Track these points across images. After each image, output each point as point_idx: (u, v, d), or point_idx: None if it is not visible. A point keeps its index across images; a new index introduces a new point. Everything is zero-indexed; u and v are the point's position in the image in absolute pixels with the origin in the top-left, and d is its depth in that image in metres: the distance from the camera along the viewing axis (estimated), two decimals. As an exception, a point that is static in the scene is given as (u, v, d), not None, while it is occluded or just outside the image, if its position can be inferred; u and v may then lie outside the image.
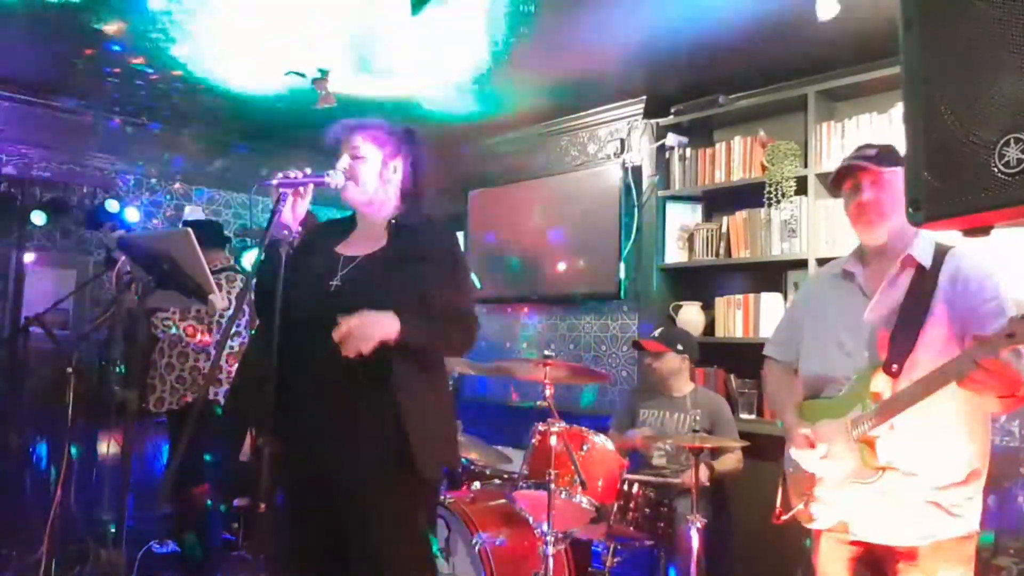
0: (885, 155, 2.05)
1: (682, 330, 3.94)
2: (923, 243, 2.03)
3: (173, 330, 3.60)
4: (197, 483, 3.66)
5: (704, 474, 3.11)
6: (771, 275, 3.99)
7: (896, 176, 1.97)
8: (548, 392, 3.16)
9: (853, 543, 2.02)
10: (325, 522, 2.11)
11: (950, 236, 1.62)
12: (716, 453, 3.47)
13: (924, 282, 1.98)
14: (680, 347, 3.64)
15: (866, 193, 2.04)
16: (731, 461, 3.48)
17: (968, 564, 1.96)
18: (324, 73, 4.20)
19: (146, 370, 3.78)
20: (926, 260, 2.00)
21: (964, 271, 1.95)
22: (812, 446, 2.05)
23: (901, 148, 1.51)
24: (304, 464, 2.08)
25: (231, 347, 3.85)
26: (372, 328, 1.93)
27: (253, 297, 2.27)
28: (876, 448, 1.93)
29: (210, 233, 3.88)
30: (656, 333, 3.74)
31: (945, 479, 1.91)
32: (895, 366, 1.93)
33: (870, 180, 2.03)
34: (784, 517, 2.18)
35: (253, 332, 3.77)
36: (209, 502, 3.74)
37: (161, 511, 4.15)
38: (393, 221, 2.22)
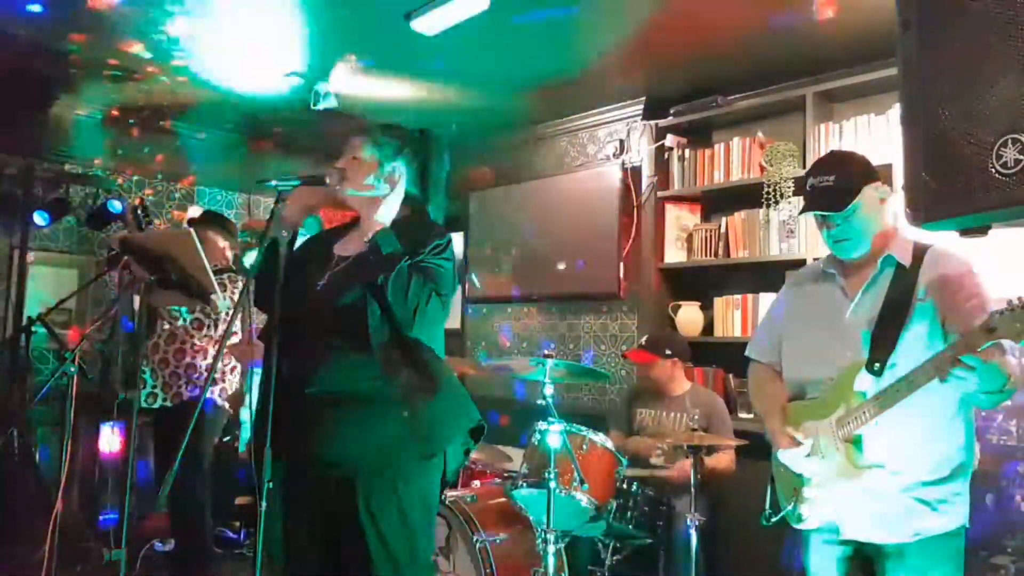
0: (845, 182, 2.00)
1: (669, 332, 3.94)
2: (902, 242, 2.04)
3: (181, 321, 3.54)
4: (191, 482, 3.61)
5: (690, 463, 3.11)
6: (770, 275, 3.99)
7: (863, 198, 1.98)
8: (548, 392, 3.17)
9: (843, 542, 2.03)
10: (320, 511, 2.11)
11: (944, 234, 1.63)
12: (709, 451, 3.48)
13: (904, 280, 1.98)
14: (668, 352, 3.65)
15: (835, 229, 2.04)
16: (724, 460, 3.49)
17: (957, 559, 1.97)
18: (324, 74, 4.21)
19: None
20: (906, 259, 2.00)
21: (943, 268, 1.95)
22: (797, 445, 2.06)
23: (898, 149, 1.52)
24: (299, 457, 2.09)
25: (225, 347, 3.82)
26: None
27: (252, 296, 2.27)
28: (861, 447, 1.94)
29: (216, 222, 3.85)
30: (643, 341, 3.74)
31: (931, 475, 1.93)
32: (877, 365, 1.94)
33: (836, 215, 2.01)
34: (773, 519, 2.19)
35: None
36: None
37: (162, 510, 4.14)
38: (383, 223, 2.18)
